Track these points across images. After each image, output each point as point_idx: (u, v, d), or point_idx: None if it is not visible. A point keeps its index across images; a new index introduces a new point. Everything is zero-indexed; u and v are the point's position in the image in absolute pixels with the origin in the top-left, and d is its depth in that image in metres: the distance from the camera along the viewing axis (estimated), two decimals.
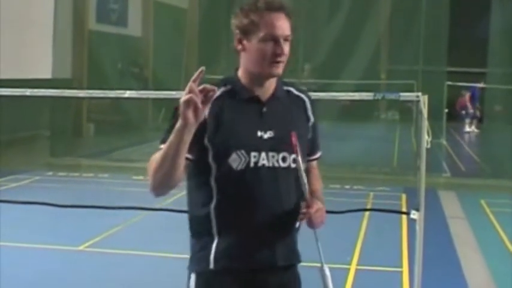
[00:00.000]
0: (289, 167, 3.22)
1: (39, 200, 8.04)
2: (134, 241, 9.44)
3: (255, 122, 3.20)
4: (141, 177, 14.36)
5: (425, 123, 6.18)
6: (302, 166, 3.23)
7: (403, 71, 25.77)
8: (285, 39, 3.18)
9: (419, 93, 6.27)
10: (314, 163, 3.56)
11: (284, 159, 3.21)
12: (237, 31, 3.21)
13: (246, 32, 3.18)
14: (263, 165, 3.17)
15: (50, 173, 14.88)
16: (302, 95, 3.40)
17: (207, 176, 3.16)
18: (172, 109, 3.14)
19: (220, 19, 27.74)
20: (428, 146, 6.21)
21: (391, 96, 6.81)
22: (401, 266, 8.49)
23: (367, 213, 10.87)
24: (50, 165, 15.93)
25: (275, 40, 3.15)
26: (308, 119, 3.40)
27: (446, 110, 20.81)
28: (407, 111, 22.13)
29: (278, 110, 3.26)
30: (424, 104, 6.17)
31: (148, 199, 11.04)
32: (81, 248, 9.09)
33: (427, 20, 25.00)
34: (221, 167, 3.13)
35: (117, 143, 19.77)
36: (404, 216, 10.09)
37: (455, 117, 25.87)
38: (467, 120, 26.31)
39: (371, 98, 6.63)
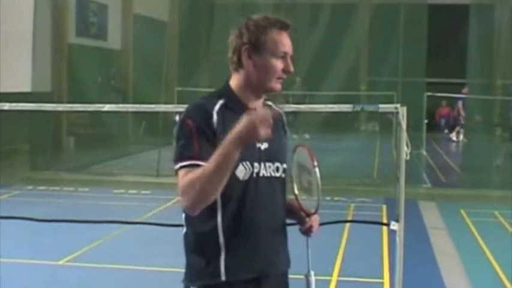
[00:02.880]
0: (280, 176, 3.39)
1: (19, 214, 8.00)
2: (115, 255, 9.41)
3: None
4: (122, 191, 14.34)
5: (404, 135, 6.20)
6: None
7: (383, 82, 25.90)
8: (290, 58, 3.34)
9: (398, 105, 6.29)
10: None
11: (277, 169, 3.36)
12: (247, 46, 3.29)
13: (259, 47, 3.28)
14: (263, 175, 3.30)
15: (30, 187, 14.81)
16: (280, 111, 3.57)
17: None
18: (179, 123, 3.25)
19: (200, 32, 27.80)
20: (408, 157, 6.23)
21: (370, 108, 6.85)
22: (382, 277, 8.50)
23: (348, 224, 10.90)
24: (30, 179, 15.85)
25: (285, 57, 3.31)
26: (285, 132, 3.57)
27: (426, 121, 20.90)
28: (387, 122, 22.22)
29: None
30: (403, 115, 6.20)
31: (129, 213, 11.07)
32: (61, 262, 9.04)
33: (405, 32, 25.14)
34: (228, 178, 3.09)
35: (97, 157, 19.71)
36: (385, 227, 10.12)
37: (434, 127, 25.94)
38: (458, 128, 26.45)
39: (350, 109, 6.66)
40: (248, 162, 3.23)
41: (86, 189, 14.71)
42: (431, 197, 14.35)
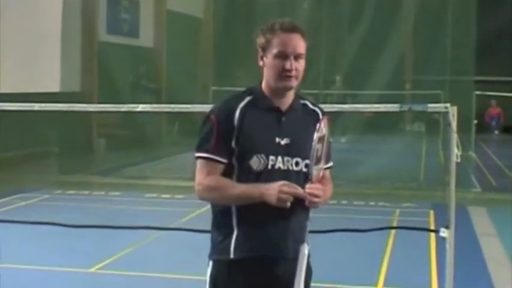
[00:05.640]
0: (300, 171, 3.78)
1: (48, 219, 8.06)
2: (148, 262, 9.43)
3: (274, 129, 3.78)
4: (154, 195, 14.38)
5: (454, 136, 6.14)
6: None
7: (429, 81, 25.70)
8: (296, 57, 3.76)
9: (448, 104, 6.24)
10: (326, 172, 3.96)
11: (297, 163, 3.78)
12: (259, 49, 3.85)
13: (264, 50, 3.81)
14: (279, 167, 3.75)
15: (59, 191, 14.90)
16: (316, 109, 3.97)
17: (230, 174, 3.76)
18: (206, 116, 3.81)
19: (237, 29, 27.80)
20: (458, 160, 6.17)
21: (418, 107, 6.79)
22: (430, 287, 8.42)
23: (393, 231, 10.81)
24: (59, 183, 15.96)
25: (285, 57, 3.75)
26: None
27: (475, 121, 20.70)
28: (434, 122, 22.06)
29: (295, 119, 3.84)
30: (453, 115, 6.14)
31: (162, 218, 11.06)
32: (92, 270, 9.08)
33: (453, 28, 24.94)
34: (242, 166, 3.74)
35: (129, 159, 19.80)
36: (432, 234, 10.03)
37: (484, 128, 25.68)
38: None
39: (397, 109, 6.62)
40: (263, 155, 3.72)
41: (117, 193, 14.77)
42: (481, 202, 14.18)
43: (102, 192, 14.92)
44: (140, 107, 6.86)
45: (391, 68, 25.97)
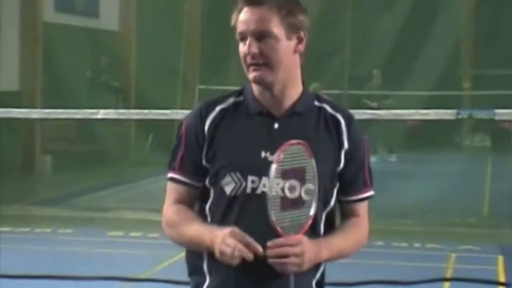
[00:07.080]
0: (298, 198, 3.57)
1: None
2: None
3: (261, 140, 3.67)
4: (119, 233, 14.36)
5: None
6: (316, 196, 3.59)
7: (496, 78, 25.77)
8: (261, 36, 3.64)
9: None
10: (355, 207, 3.86)
11: (292, 188, 3.56)
12: None
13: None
14: (263, 192, 3.58)
15: None
16: (337, 115, 3.81)
17: (204, 202, 3.75)
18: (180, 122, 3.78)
19: (231, 7, 27.88)
20: None
21: (482, 114, 6.78)
22: None
23: (447, 284, 10.80)
24: None
25: (245, 39, 3.69)
26: (340, 145, 3.76)
27: None
28: (502, 134, 22.09)
29: (295, 128, 3.70)
30: None
31: (130, 265, 11.08)
32: None
33: None
34: (216, 191, 3.69)
35: (84, 184, 19.80)
36: None
37: None
38: None
39: (452, 116, 6.61)
40: (238, 174, 3.63)
41: (69, 230, 14.74)
42: None
43: (48, 229, 14.89)
44: (101, 113, 6.85)
45: (443, 60, 26.05)
